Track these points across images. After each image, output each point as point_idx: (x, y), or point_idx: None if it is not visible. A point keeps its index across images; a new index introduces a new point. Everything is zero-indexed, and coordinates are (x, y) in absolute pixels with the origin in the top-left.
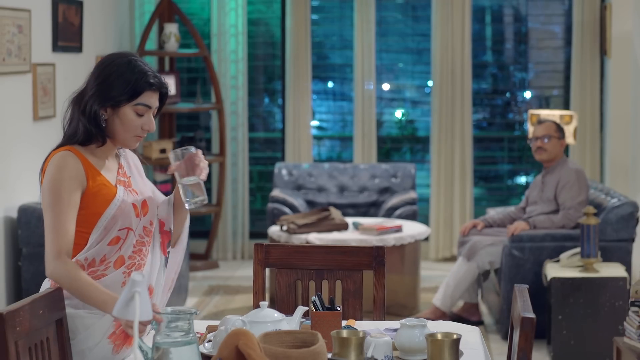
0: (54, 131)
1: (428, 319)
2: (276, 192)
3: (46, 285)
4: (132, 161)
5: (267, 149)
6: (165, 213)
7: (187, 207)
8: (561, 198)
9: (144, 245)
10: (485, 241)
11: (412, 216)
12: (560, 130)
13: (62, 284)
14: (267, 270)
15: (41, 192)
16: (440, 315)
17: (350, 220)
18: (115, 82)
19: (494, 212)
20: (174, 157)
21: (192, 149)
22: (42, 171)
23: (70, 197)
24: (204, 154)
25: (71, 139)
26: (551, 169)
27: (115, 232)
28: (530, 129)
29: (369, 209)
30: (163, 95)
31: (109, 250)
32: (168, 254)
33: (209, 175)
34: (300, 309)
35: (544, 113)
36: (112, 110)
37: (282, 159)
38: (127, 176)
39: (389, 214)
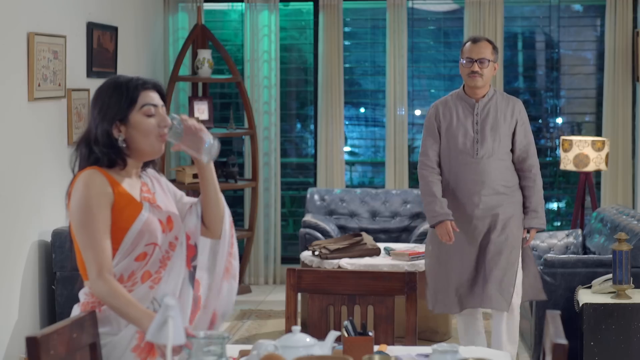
0: None
1: None
2: (308, 217)
3: (76, 310)
4: (155, 179)
5: (299, 174)
6: (193, 226)
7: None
8: (524, 143)
9: (170, 259)
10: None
11: None
12: (496, 51)
13: (104, 301)
14: (299, 295)
15: (70, 213)
16: None
17: (382, 245)
18: (112, 100)
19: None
20: (175, 135)
21: (176, 119)
22: (68, 194)
23: (102, 214)
24: (235, 178)
25: (94, 163)
26: (486, 99)
27: (142, 247)
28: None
29: (400, 234)
30: (162, 95)
31: (137, 266)
32: (193, 269)
33: (242, 199)
34: (333, 334)
35: (575, 139)
36: (124, 126)
37: (314, 184)
38: (151, 192)
39: (421, 239)
